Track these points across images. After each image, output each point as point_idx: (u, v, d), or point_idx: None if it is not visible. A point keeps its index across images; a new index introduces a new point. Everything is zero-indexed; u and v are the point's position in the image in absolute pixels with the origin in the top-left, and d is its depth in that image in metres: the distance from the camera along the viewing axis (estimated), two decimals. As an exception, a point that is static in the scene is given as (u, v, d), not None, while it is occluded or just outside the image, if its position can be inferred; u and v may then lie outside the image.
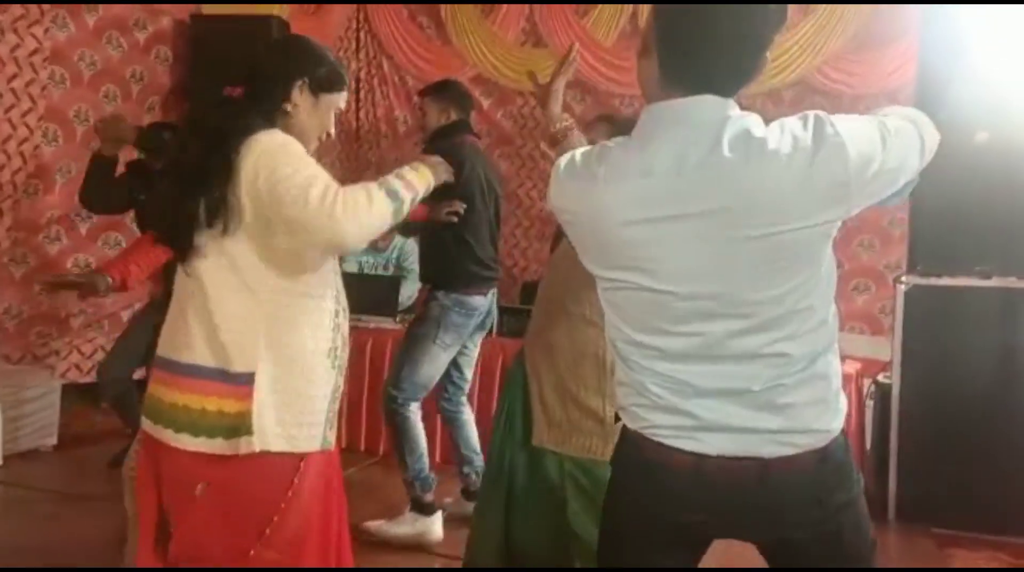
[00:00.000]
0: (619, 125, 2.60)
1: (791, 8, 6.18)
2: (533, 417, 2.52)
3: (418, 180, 1.94)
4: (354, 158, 7.11)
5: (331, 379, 1.92)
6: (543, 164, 7.03)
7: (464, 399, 3.88)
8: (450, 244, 3.55)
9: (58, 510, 3.77)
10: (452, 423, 3.86)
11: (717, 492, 1.46)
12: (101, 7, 5.15)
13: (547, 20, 6.89)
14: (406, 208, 1.87)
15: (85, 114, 5.11)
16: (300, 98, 1.95)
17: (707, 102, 1.43)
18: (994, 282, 3.90)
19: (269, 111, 1.90)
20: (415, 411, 3.59)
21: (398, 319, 4.94)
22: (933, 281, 3.98)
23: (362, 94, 7.22)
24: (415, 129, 6.93)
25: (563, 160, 1.53)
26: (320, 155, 2.24)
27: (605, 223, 1.45)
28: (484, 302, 3.66)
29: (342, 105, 2.05)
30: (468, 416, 3.87)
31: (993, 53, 3.90)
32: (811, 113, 1.42)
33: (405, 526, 3.54)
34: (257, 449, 1.78)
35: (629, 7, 6.75)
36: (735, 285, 1.41)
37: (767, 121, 1.44)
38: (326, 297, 1.91)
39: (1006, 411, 3.86)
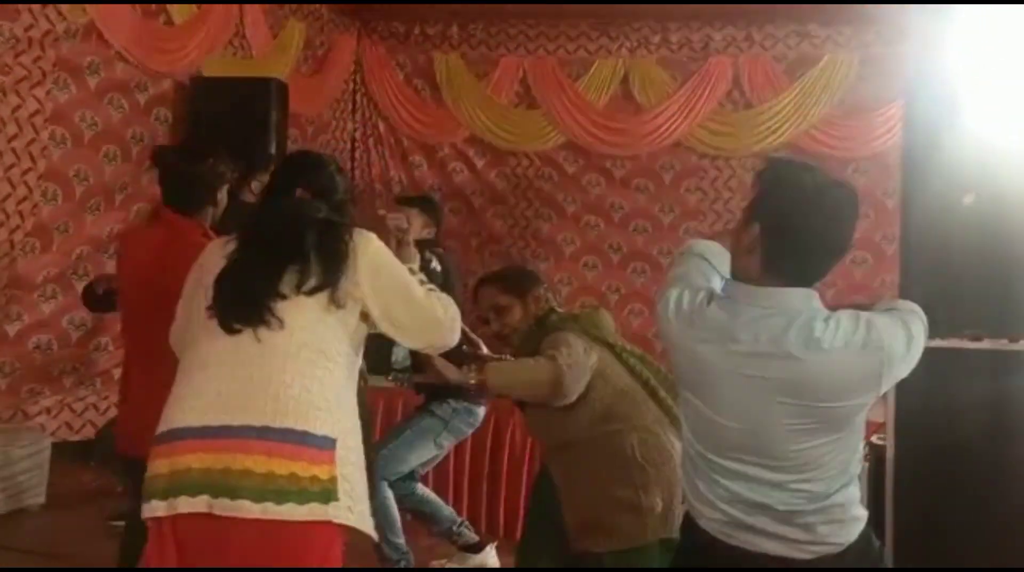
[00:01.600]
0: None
1: (781, 72, 6.31)
2: (567, 527, 2.57)
3: None
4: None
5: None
6: (536, 224, 7.10)
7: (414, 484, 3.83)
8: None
9: (45, 572, 3.71)
10: (411, 500, 3.78)
11: None
12: (103, 69, 5.23)
13: (540, 83, 7.04)
14: None
15: (85, 174, 5.15)
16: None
17: (797, 295, 1.73)
18: (985, 344, 3.92)
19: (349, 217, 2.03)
20: (386, 489, 3.57)
21: (391, 377, 4.92)
22: (925, 342, 4.01)
23: (357, 154, 7.32)
24: (409, 189, 7.01)
25: (673, 296, 1.82)
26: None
27: (696, 362, 1.78)
28: (482, 413, 3.73)
29: None
30: (422, 489, 3.83)
31: (981, 116, 3.98)
32: (863, 316, 1.72)
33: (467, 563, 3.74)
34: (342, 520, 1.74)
35: (620, 72, 6.89)
36: (770, 436, 1.73)
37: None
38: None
39: (1001, 472, 3.86)
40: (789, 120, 6.49)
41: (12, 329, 4.88)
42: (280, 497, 1.67)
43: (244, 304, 1.83)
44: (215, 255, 1.95)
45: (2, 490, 4.32)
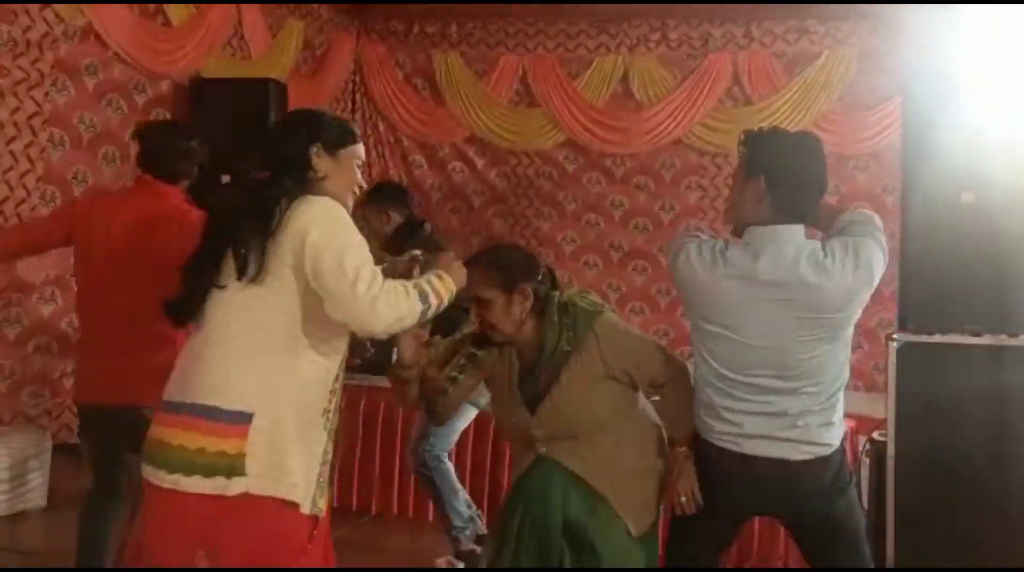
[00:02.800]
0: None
1: (780, 69, 6.31)
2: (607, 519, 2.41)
3: (443, 289, 1.99)
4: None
5: (322, 440, 1.92)
6: (536, 223, 7.09)
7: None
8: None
9: (47, 574, 3.72)
10: (435, 473, 3.78)
11: (756, 481, 2.25)
12: (101, 71, 5.23)
13: (540, 82, 7.03)
14: (430, 314, 1.94)
15: (83, 176, 5.16)
16: (321, 162, 2.03)
17: (797, 231, 2.22)
18: (985, 339, 3.92)
19: (300, 184, 1.96)
20: (447, 459, 3.71)
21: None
22: (925, 338, 4.00)
23: (357, 154, 7.31)
24: (411, 189, 7.01)
25: (692, 246, 2.23)
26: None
27: (720, 296, 2.20)
28: None
29: (362, 156, 2.14)
30: (449, 466, 3.83)
31: (980, 112, 3.98)
32: (848, 243, 2.19)
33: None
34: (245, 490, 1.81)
35: (620, 70, 6.89)
36: (788, 349, 2.21)
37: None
38: (332, 359, 1.95)
39: (1001, 467, 3.85)
40: (788, 116, 6.47)
41: (12, 332, 4.88)
42: (188, 469, 1.78)
43: (183, 298, 1.95)
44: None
45: (4, 492, 4.33)
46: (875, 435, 4.24)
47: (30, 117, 4.81)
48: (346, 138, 2.10)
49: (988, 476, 3.85)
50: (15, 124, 4.74)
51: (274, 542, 1.82)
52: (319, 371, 1.92)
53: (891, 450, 4.01)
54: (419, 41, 7.25)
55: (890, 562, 3.96)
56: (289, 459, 1.83)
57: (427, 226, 3.86)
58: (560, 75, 7.00)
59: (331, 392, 1.95)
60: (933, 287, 4.02)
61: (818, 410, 2.25)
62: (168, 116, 5.68)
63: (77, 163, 5.14)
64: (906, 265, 4.20)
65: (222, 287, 1.89)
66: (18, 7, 4.66)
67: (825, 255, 2.15)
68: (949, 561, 3.84)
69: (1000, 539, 3.81)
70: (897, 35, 5.66)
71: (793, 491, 2.27)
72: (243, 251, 1.85)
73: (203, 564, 1.80)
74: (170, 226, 2.74)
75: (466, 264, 2.18)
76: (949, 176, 3.94)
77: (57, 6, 4.82)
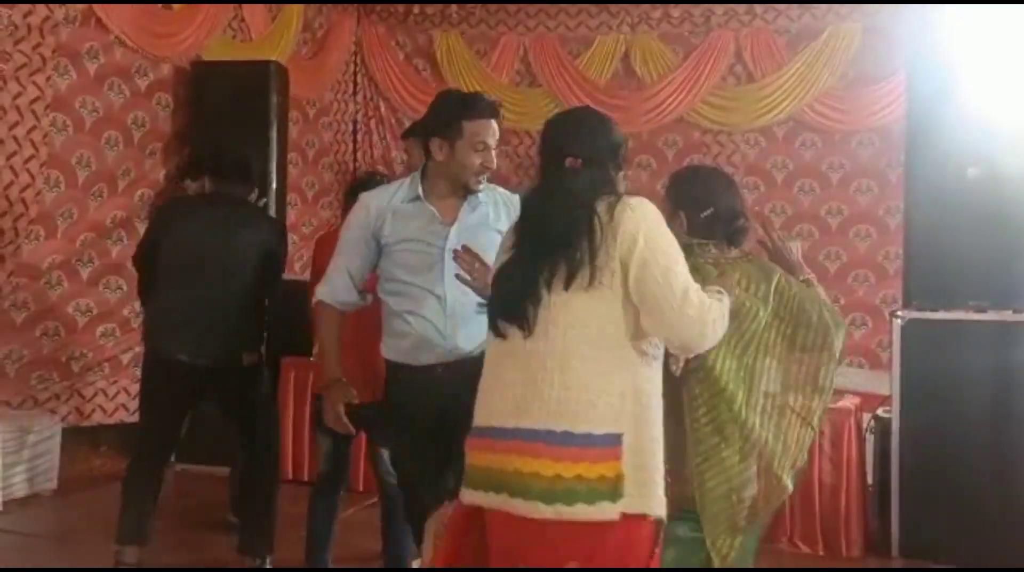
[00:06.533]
0: None
1: (783, 45, 6.26)
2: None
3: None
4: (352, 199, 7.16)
5: (661, 451, 1.88)
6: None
7: None
8: None
9: (58, 557, 3.75)
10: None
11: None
12: (103, 55, 5.22)
13: (541, 61, 7.00)
14: None
15: (87, 160, 5.15)
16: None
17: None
18: (990, 315, 3.92)
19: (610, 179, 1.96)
20: None
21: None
22: (929, 315, 4.01)
23: (359, 136, 7.30)
24: (412, 170, 6.99)
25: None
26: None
27: None
28: None
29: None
30: None
31: (983, 88, 3.96)
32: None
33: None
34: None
35: (621, 48, 6.86)
36: None
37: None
38: (657, 367, 1.89)
39: (1006, 443, 3.87)
40: (792, 93, 6.45)
41: (19, 317, 4.90)
42: (570, 498, 1.71)
43: (509, 307, 1.84)
44: (508, 239, 1.99)
45: (14, 476, 4.36)
46: (879, 412, 4.25)
47: (32, 102, 4.80)
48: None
49: (992, 452, 3.87)
50: (18, 109, 4.74)
51: (636, 554, 1.79)
52: (654, 380, 1.86)
53: (896, 426, 4.02)
54: (419, 21, 7.21)
55: (895, 538, 3.99)
56: (654, 475, 1.80)
57: None
58: (561, 54, 6.97)
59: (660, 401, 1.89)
60: (938, 263, 4.03)
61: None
62: (170, 99, 5.68)
63: (80, 147, 5.14)
64: (910, 242, 4.20)
65: (551, 292, 1.81)
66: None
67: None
68: (953, 536, 3.86)
69: (1005, 512, 3.83)
70: (901, 11, 5.62)
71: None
72: (575, 257, 1.78)
73: None
74: None
75: None
76: (954, 151, 3.93)
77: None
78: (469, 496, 1.86)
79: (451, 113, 2.51)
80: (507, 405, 1.82)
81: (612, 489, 1.72)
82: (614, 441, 1.74)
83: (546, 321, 1.80)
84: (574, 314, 1.79)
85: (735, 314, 2.05)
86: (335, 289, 2.63)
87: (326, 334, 2.64)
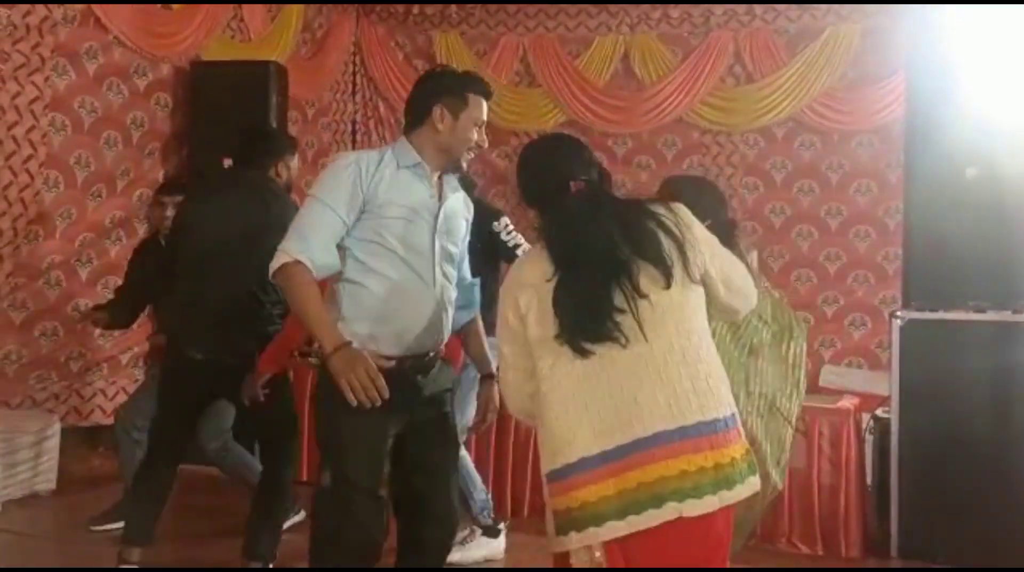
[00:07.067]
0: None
1: (782, 46, 6.25)
2: None
3: None
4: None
5: None
6: (539, 203, 7.07)
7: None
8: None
9: (57, 557, 3.74)
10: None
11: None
12: (102, 55, 5.21)
13: (540, 61, 7.00)
14: None
15: (86, 160, 5.15)
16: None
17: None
18: (989, 316, 3.92)
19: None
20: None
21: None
22: (928, 315, 4.00)
23: (359, 136, 7.30)
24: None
25: None
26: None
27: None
28: None
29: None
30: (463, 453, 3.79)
31: (982, 88, 3.96)
32: None
33: (481, 550, 3.81)
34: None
35: (621, 49, 6.86)
36: None
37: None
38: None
39: (1005, 444, 3.86)
40: (791, 94, 6.44)
41: (18, 317, 4.90)
42: (730, 482, 1.78)
43: (602, 329, 1.82)
44: (531, 275, 1.93)
45: (13, 476, 4.36)
46: (879, 412, 4.25)
47: (31, 102, 4.80)
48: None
49: (992, 452, 3.87)
50: (16, 109, 4.74)
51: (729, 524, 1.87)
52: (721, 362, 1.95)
53: (895, 427, 4.02)
54: (419, 22, 7.21)
55: (895, 539, 3.99)
56: (753, 448, 1.93)
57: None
58: (561, 54, 6.97)
59: None
60: (937, 264, 4.02)
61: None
62: (169, 99, 5.67)
63: (79, 147, 5.13)
64: (910, 242, 4.20)
65: (645, 296, 1.83)
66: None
67: None
68: (952, 537, 3.85)
69: (1005, 515, 3.82)
70: (900, 11, 5.62)
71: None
72: (666, 259, 1.85)
73: None
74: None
75: None
76: (954, 151, 3.92)
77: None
78: (607, 531, 1.76)
79: (460, 82, 2.47)
80: (623, 418, 1.78)
81: (750, 463, 1.83)
82: (736, 421, 1.84)
83: (650, 322, 1.81)
84: (679, 310, 1.85)
85: (744, 319, 2.20)
86: (310, 247, 2.30)
87: (308, 295, 2.28)
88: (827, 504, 4.05)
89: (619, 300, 1.81)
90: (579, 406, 1.81)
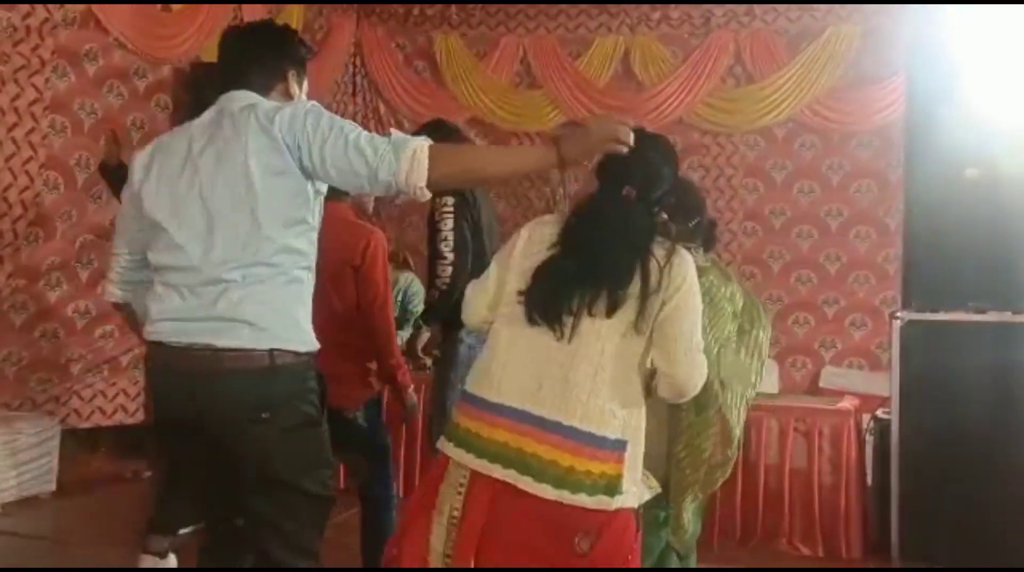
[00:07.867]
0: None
1: (783, 46, 6.25)
2: None
3: None
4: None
5: None
6: (538, 204, 7.08)
7: None
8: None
9: (56, 559, 3.74)
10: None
11: None
12: (101, 56, 5.22)
13: (541, 62, 7.00)
14: None
15: (86, 162, 5.15)
16: None
17: None
18: (989, 317, 3.92)
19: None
20: None
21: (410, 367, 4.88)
22: (929, 316, 4.00)
23: (359, 137, 7.29)
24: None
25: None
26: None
27: None
28: None
29: None
30: None
31: (982, 88, 3.96)
32: None
33: None
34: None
35: (621, 50, 6.86)
36: None
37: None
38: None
39: (1005, 444, 3.86)
40: (791, 94, 6.45)
41: (18, 318, 4.90)
42: (575, 487, 1.92)
43: (551, 313, 1.97)
44: (543, 233, 2.06)
45: (13, 478, 4.36)
46: (879, 412, 4.25)
47: (31, 104, 4.80)
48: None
49: (992, 453, 3.86)
50: (16, 111, 4.74)
51: (625, 543, 2.02)
52: (644, 400, 2.06)
53: (895, 428, 4.02)
54: (419, 23, 7.21)
55: (895, 539, 3.98)
56: (639, 475, 2.04)
57: None
58: (561, 55, 6.97)
59: None
60: (937, 264, 4.02)
61: None
62: (169, 101, 5.67)
63: (78, 149, 5.13)
64: (910, 242, 4.20)
65: (593, 316, 1.96)
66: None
67: None
68: (953, 538, 3.85)
69: (1005, 515, 3.82)
70: (901, 11, 5.62)
71: None
72: (621, 294, 1.95)
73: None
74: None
75: None
76: (953, 152, 3.92)
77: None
78: (471, 461, 1.97)
79: None
80: (527, 390, 1.97)
81: (612, 486, 1.94)
82: (623, 447, 1.97)
83: (587, 331, 1.96)
84: (615, 339, 1.97)
85: (719, 312, 2.31)
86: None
87: (473, 148, 2.64)
88: (827, 505, 4.05)
89: (575, 304, 1.96)
90: (517, 360, 2.00)
